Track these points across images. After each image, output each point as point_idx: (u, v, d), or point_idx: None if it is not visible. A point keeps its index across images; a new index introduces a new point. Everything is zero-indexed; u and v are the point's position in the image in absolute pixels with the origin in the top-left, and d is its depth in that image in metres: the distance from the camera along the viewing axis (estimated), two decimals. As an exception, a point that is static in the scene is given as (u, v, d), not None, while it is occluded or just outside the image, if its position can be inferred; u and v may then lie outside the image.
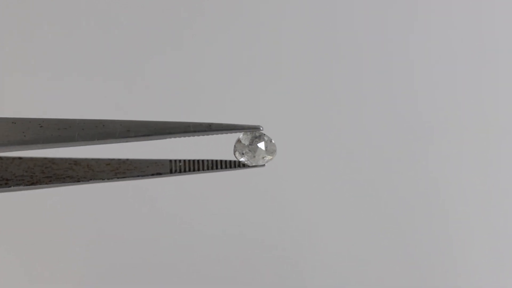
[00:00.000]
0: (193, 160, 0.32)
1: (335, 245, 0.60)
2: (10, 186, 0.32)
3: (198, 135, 0.31)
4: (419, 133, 0.60)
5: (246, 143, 0.31)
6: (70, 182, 0.33)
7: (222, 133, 0.31)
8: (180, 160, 0.32)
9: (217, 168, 0.32)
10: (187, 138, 0.31)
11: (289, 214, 0.60)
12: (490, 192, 0.60)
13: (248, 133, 0.31)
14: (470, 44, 0.60)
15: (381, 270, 0.59)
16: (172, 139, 0.31)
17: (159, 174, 0.32)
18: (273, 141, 0.32)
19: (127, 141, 0.31)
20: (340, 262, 0.59)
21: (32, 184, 0.32)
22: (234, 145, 0.32)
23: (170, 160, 0.33)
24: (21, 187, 0.32)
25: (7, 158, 0.33)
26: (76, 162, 0.33)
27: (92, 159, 0.33)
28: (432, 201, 0.60)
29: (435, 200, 0.60)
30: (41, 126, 0.30)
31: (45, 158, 0.33)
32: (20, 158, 0.33)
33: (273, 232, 0.60)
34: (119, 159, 0.33)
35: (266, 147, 0.31)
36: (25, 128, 0.30)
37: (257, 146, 0.31)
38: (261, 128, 0.31)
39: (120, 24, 0.59)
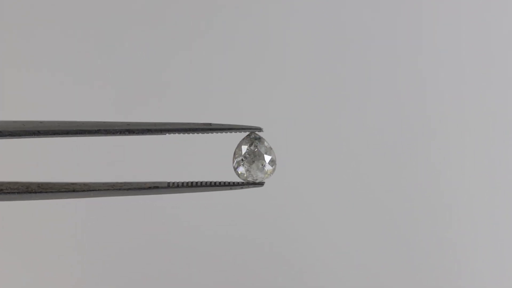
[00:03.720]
0: (191, 182, 0.32)
1: (336, 244, 0.59)
2: (2, 193, 0.31)
3: (198, 133, 0.31)
4: (422, 130, 0.59)
5: (246, 147, 0.31)
6: (66, 195, 0.32)
7: (222, 133, 0.31)
8: (177, 183, 0.32)
9: (215, 185, 0.32)
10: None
11: (292, 214, 0.59)
12: (493, 188, 0.59)
13: (248, 139, 0.31)
14: (473, 40, 0.60)
15: (383, 268, 0.58)
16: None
17: (156, 188, 0.32)
18: (273, 149, 0.32)
19: (127, 135, 0.31)
20: (343, 261, 0.59)
21: (27, 193, 0.31)
22: (234, 151, 0.31)
23: (168, 183, 0.32)
24: (14, 195, 0.31)
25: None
26: (73, 183, 0.33)
27: (90, 182, 0.33)
28: (435, 199, 0.59)
29: (438, 198, 0.59)
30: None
31: (42, 183, 0.33)
32: (16, 182, 0.33)
33: (274, 233, 0.59)
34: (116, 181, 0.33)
35: (266, 152, 0.31)
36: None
37: (257, 150, 0.31)
38: (262, 129, 0.31)
39: (125, 24, 0.59)
